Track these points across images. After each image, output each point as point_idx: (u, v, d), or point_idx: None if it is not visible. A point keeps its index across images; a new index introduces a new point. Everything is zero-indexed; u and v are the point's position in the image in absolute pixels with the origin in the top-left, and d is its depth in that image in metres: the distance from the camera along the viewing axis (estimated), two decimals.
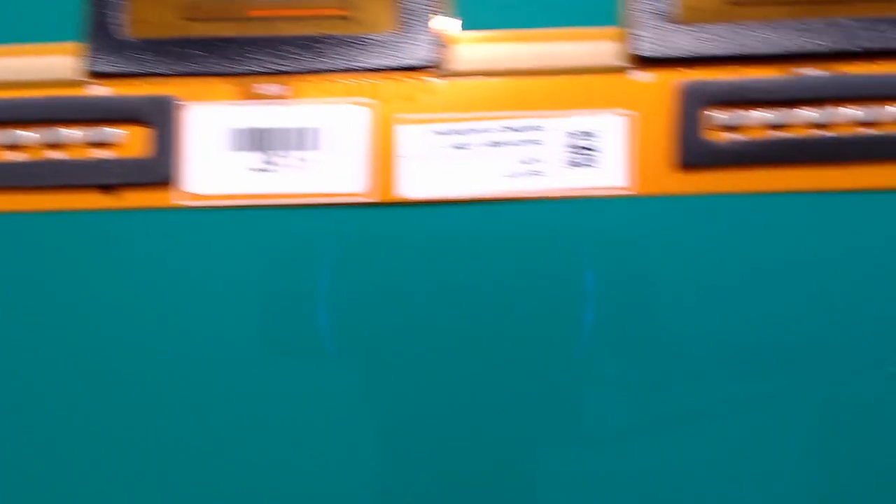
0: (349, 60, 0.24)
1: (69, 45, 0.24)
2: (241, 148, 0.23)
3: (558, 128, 0.23)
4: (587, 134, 0.23)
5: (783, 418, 0.23)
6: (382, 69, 0.24)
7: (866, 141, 0.23)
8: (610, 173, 0.23)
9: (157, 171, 0.23)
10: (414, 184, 0.23)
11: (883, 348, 0.23)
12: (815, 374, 0.23)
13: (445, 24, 0.24)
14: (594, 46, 0.24)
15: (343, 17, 0.24)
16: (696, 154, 0.23)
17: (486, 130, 0.23)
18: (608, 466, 0.23)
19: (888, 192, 0.23)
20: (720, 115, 0.23)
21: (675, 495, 0.23)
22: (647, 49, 0.23)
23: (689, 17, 0.23)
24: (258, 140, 0.24)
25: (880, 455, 0.23)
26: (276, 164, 0.23)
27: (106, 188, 0.24)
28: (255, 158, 0.23)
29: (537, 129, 0.23)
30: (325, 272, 0.23)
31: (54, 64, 0.24)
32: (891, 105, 0.23)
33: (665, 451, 0.23)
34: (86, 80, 0.24)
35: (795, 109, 0.23)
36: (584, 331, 0.23)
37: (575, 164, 0.23)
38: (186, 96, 0.24)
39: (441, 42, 0.24)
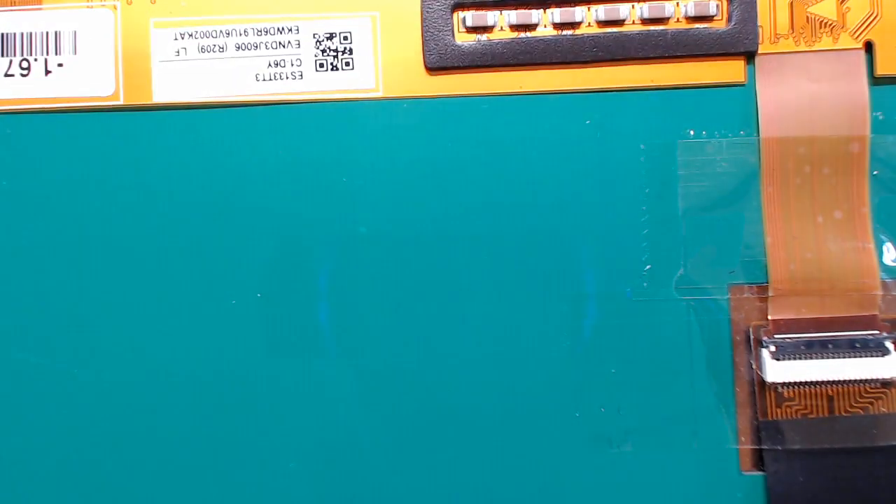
0: None
1: None
2: None
3: (309, 30, 0.23)
4: (337, 36, 0.23)
5: (517, 294, 0.23)
6: None
7: (607, 41, 0.23)
8: (360, 76, 0.23)
9: None
10: (165, 87, 0.23)
11: (635, 245, 0.23)
12: (564, 266, 0.23)
13: None
14: None
15: None
16: (443, 56, 0.23)
17: (237, 34, 0.23)
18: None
19: (628, 91, 0.23)
20: (467, 16, 0.23)
21: None
22: None
23: None
24: (9, 45, 0.23)
25: (642, 352, 0.23)
26: (27, 69, 0.23)
27: None
28: (7, 63, 0.23)
29: (288, 31, 0.23)
30: (78, 176, 0.24)
31: None
32: (628, 1, 0.23)
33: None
34: None
35: (542, 10, 0.23)
36: (359, 235, 0.23)
37: (326, 67, 0.23)
38: None
39: None
